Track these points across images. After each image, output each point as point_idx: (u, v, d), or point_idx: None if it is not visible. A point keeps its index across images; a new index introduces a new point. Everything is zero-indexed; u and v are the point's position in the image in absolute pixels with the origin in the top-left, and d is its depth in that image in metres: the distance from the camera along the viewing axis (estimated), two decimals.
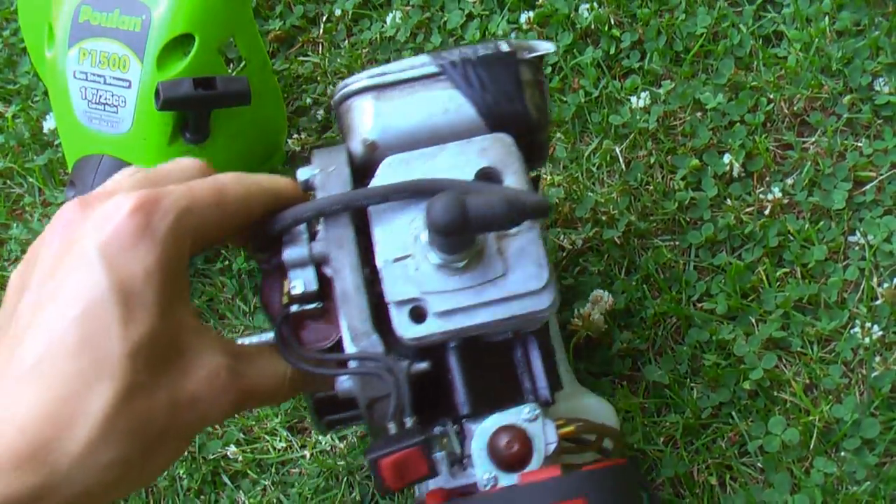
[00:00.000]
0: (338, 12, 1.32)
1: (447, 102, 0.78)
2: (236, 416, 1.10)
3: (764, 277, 1.06)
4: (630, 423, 1.02)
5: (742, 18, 1.21)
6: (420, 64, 0.80)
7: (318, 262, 0.74)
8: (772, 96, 1.15)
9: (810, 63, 1.16)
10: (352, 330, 0.72)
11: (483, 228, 0.68)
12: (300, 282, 0.73)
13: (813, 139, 1.13)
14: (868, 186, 1.09)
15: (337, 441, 1.07)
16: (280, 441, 1.08)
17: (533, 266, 0.73)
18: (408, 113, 0.78)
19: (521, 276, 0.73)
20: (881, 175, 1.09)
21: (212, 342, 0.64)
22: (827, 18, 1.19)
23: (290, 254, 0.74)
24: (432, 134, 0.77)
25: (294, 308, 0.73)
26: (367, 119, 0.79)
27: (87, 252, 0.59)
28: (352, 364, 0.72)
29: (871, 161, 1.10)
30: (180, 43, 1.10)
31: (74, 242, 0.60)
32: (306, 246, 0.74)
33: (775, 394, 1.01)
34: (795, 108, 1.14)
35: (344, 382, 0.73)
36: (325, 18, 1.33)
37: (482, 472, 0.72)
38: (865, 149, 1.11)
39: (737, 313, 1.05)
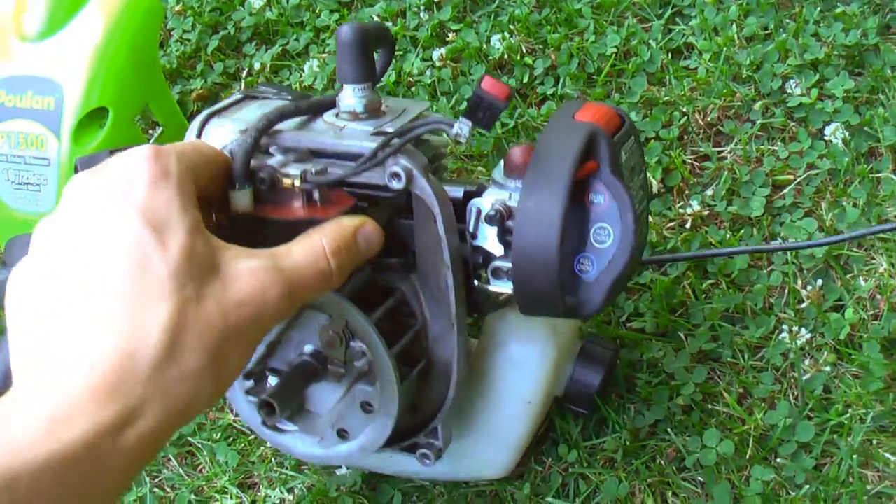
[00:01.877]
0: (257, 65, 1.34)
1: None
2: (184, 474, 1.11)
3: (690, 291, 1.07)
4: (566, 447, 1.03)
5: (651, 34, 1.22)
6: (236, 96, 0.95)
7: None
8: (685, 109, 1.16)
9: (721, 72, 1.17)
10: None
11: (379, 35, 0.88)
12: (294, 171, 0.78)
13: (729, 148, 1.14)
14: (786, 190, 1.10)
15: (286, 493, 1.08)
16: (230, 499, 1.09)
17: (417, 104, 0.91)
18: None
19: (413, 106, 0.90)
20: (798, 177, 1.10)
21: (243, 252, 0.68)
22: (734, 26, 1.20)
23: (276, 161, 0.79)
24: None
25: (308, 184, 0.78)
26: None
27: (115, 202, 0.64)
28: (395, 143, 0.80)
29: (788, 164, 1.11)
30: (95, 117, 1.12)
31: (100, 199, 0.65)
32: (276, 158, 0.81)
33: (709, 406, 1.02)
34: (709, 119, 1.15)
35: (394, 165, 0.80)
36: (245, 73, 1.34)
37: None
38: (781, 152, 1.12)
39: (666, 330, 1.06)
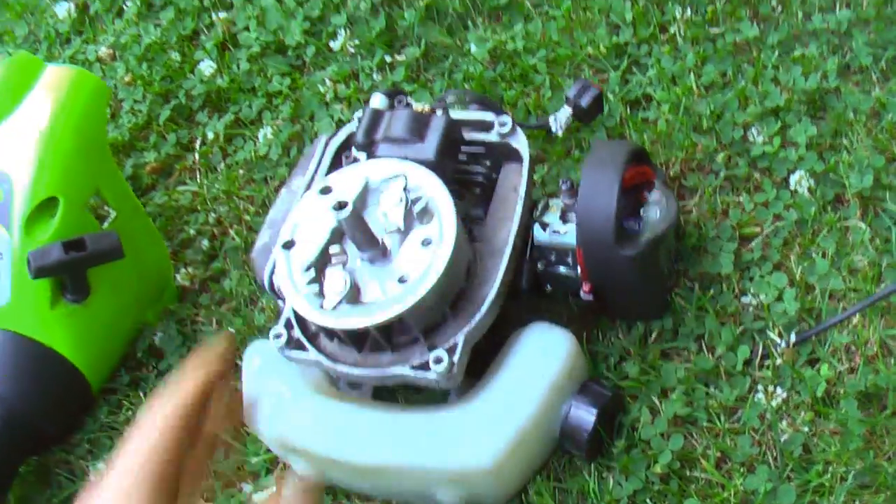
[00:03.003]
0: (210, 135, 1.32)
1: None
2: None
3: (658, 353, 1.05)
4: None
5: (608, 86, 1.20)
6: None
7: None
8: None
9: (681, 123, 1.15)
10: None
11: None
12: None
13: (693, 202, 1.12)
14: (754, 243, 1.08)
15: None
16: None
17: None
18: None
19: None
20: (765, 229, 1.09)
21: None
22: (692, 74, 1.18)
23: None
24: None
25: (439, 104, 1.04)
26: None
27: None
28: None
29: (754, 216, 1.10)
30: (46, 207, 1.10)
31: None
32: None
33: (688, 473, 1.00)
34: (672, 173, 1.14)
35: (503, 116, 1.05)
36: (199, 142, 1.32)
37: None
38: (747, 204, 1.10)
39: (638, 392, 1.04)
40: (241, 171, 1.29)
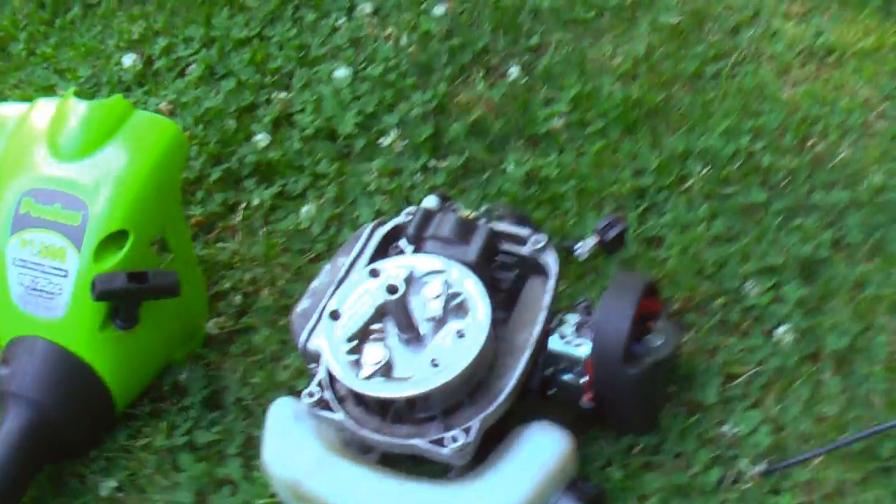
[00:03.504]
0: (255, 201, 1.42)
1: None
2: None
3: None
4: None
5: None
6: None
7: None
8: None
9: (687, 267, 1.28)
10: None
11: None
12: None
13: (689, 336, 1.24)
14: (737, 381, 1.20)
15: None
16: None
17: None
18: None
19: None
20: (749, 371, 1.21)
21: None
22: (703, 225, 1.31)
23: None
24: None
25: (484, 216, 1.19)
26: None
27: None
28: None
29: (740, 358, 1.22)
30: (116, 238, 1.20)
31: None
32: None
33: None
34: (673, 309, 1.26)
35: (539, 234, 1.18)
36: (243, 206, 1.43)
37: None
38: (735, 346, 1.23)
39: (619, 495, 1.15)
40: (280, 240, 1.40)
